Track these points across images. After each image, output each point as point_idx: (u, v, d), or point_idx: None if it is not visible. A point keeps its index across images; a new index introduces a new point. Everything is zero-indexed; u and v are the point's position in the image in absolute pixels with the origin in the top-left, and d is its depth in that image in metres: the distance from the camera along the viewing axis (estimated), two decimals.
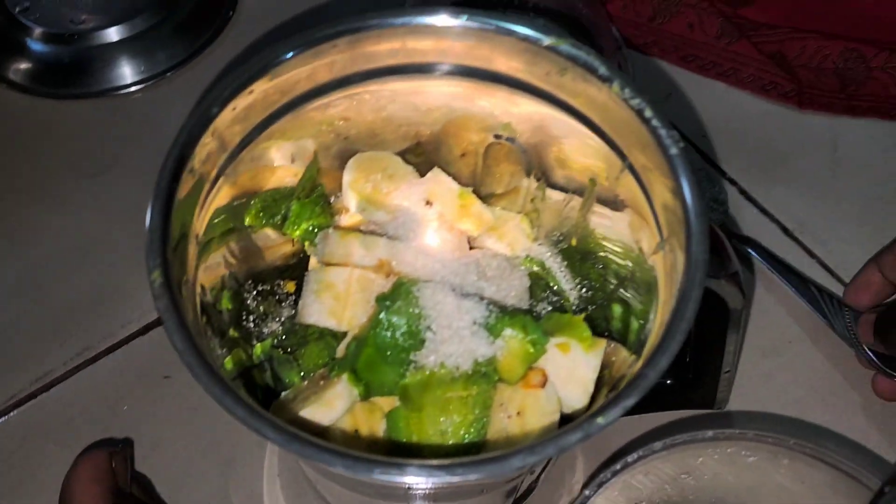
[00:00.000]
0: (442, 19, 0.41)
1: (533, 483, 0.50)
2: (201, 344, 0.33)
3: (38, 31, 0.73)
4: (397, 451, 0.41)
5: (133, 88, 0.74)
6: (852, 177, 0.71)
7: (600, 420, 0.32)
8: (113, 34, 0.74)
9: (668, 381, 0.52)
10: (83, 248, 0.66)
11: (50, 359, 0.61)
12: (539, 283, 0.47)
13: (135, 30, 0.74)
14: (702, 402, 0.53)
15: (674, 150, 0.38)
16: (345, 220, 0.47)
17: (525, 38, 0.41)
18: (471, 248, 0.47)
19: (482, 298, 0.43)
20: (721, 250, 0.44)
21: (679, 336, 0.34)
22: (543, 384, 0.41)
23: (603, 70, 0.40)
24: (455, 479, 0.30)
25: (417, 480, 0.30)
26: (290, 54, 0.40)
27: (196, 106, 0.38)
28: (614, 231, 0.44)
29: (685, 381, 0.52)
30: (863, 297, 0.59)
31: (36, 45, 0.73)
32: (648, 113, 0.39)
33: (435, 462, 0.31)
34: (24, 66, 0.73)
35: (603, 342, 0.43)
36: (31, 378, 0.60)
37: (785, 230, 0.68)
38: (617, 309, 0.44)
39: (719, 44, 0.76)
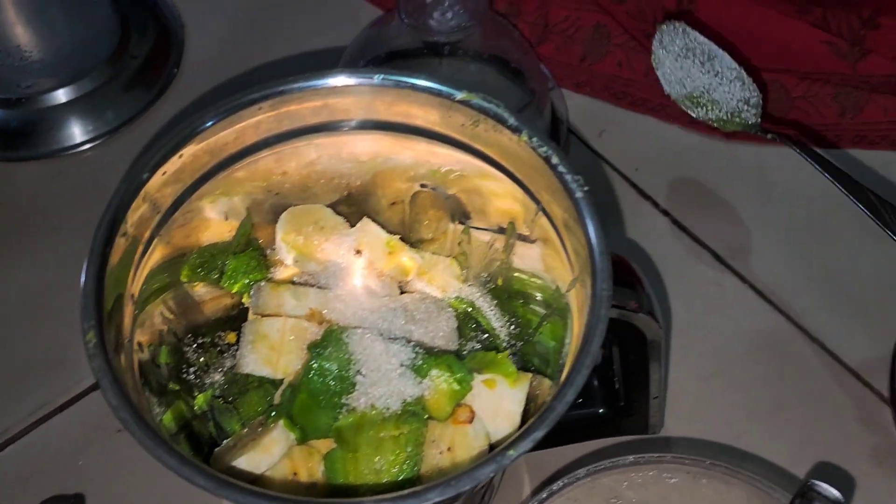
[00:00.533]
0: (359, 79, 0.43)
1: None
2: (136, 399, 0.35)
3: None
4: (336, 492, 0.43)
5: (83, 148, 0.75)
6: (779, 202, 0.74)
7: (511, 452, 0.34)
8: (61, 96, 0.75)
9: (601, 411, 0.54)
10: (36, 305, 0.67)
11: (6, 417, 0.62)
12: (468, 323, 0.49)
13: (82, 90, 0.76)
14: (636, 428, 0.55)
15: (579, 194, 0.40)
16: (280, 272, 0.49)
17: (438, 94, 0.43)
18: (403, 292, 0.49)
19: (409, 341, 0.45)
20: (636, 285, 0.47)
21: (584, 369, 0.36)
22: (471, 420, 0.43)
23: (512, 121, 0.42)
24: None
25: None
26: (216, 119, 0.42)
27: (127, 172, 0.40)
28: (534, 269, 0.46)
29: (618, 409, 0.54)
30: None
31: None
32: (555, 160, 0.41)
33: (357, 500, 0.33)
34: None
35: (528, 376, 0.45)
36: None
37: (717, 257, 0.71)
38: (541, 343, 0.46)
39: (648, 80, 0.79)
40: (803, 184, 0.75)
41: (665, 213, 0.73)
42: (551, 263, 0.44)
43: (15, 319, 0.67)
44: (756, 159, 0.76)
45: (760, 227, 0.73)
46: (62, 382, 0.64)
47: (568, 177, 0.41)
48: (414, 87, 0.43)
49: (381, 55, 0.70)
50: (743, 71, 0.69)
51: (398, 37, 0.69)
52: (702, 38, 0.70)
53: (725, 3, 0.82)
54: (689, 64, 0.69)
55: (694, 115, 0.67)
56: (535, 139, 0.42)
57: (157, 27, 0.81)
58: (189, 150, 0.42)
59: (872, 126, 0.77)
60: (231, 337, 0.49)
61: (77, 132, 0.76)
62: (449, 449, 0.43)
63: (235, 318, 0.49)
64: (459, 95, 0.43)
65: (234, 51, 0.81)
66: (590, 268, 0.39)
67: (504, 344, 0.49)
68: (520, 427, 0.44)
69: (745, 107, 0.66)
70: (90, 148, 0.76)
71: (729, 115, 0.66)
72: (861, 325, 0.67)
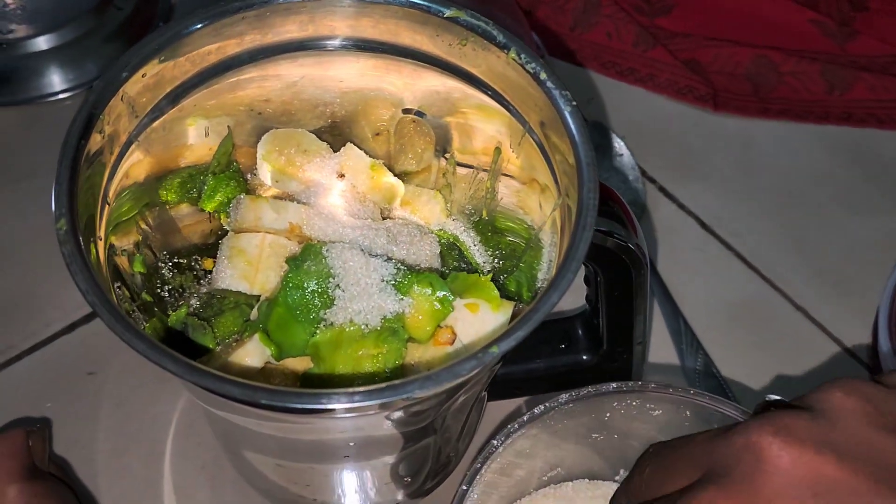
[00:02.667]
0: None
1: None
2: (105, 287, 0.34)
3: None
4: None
5: (61, 96, 0.74)
6: (764, 173, 0.74)
7: (494, 349, 0.33)
8: (42, 43, 0.74)
9: (585, 357, 0.53)
10: (5, 251, 0.66)
11: None
12: (451, 252, 0.48)
13: (64, 39, 0.75)
14: (619, 377, 0.54)
15: (568, 108, 0.40)
16: (261, 193, 0.48)
17: (427, 10, 0.42)
18: (386, 219, 0.48)
19: (390, 259, 0.44)
20: (625, 218, 0.46)
21: (570, 274, 0.35)
22: (452, 342, 0.42)
23: (501, 38, 0.42)
24: (355, 404, 0.31)
25: (322, 405, 0.31)
26: (199, 24, 0.41)
27: (106, 70, 0.39)
28: (519, 197, 0.45)
29: (602, 355, 0.53)
30: None
31: None
32: (543, 75, 0.41)
33: (334, 390, 0.32)
34: None
35: (511, 303, 0.44)
36: None
37: (702, 224, 0.71)
38: (522, 272, 0.45)
39: (636, 51, 0.79)
40: (787, 156, 0.75)
41: (651, 180, 0.73)
42: (537, 187, 0.43)
43: None
44: (742, 131, 0.76)
45: (745, 197, 0.72)
46: (30, 326, 0.63)
47: (556, 92, 0.40)
48: (402, 4, 0.43)
49: None
50: (638, 171, 0.72)
51: None
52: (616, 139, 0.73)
53: None
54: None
55: None
56: (523, 56, 0.41)
57: None
58: (170, 55, 0.41)
59: (860, 104, 0.77)
60: (208, 263, 0.48)
61: (56, 80, 0.75)
62: (429, 370, 0.41)
63: (213, 246, 0.48)
64: (448, 12, 0.42)
65: None
66: (577, 179, 0.38)
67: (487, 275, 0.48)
68: None
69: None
70: (68, 97, 0.74)
71: None
72: (843, 295, 0.67)
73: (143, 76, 0.40)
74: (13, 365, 0.61)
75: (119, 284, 0.39)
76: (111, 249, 0.39)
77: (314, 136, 0.48)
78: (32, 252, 0.66)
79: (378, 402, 0.32)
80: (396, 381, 0.32)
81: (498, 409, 0.57)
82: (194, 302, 0.46)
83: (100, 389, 0.60)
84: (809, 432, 0.31)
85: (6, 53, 0.74)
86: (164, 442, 0.57)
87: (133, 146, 0.41)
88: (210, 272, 0.48)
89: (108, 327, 0.32)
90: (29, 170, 0.71)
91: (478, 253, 0.49)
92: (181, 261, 0.47)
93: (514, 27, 0.74)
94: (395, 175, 0.49)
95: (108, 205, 0.39)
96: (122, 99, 0.39)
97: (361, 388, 0.32)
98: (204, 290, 0.47)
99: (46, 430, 0.54)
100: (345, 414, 0.34)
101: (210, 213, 0.47)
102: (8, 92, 0.74)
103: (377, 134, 0.49)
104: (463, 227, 0.49)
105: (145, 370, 0.60)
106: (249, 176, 0.48)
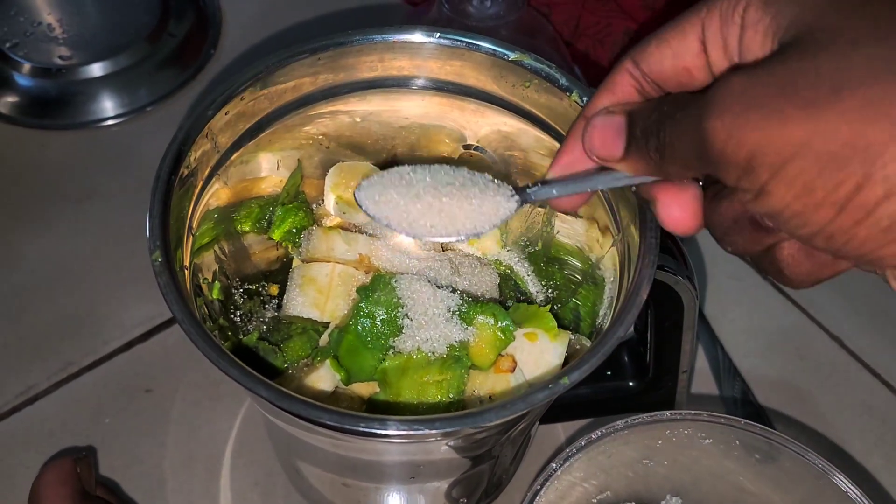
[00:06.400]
0: (417, 36, 0.45)
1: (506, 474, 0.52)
2: (198, 315, 0.36)
3: (26, 66, 0.76)
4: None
5: (114, 121, 0.77)
6: None
7: (565, 380, 0.35)
8: (97, 70, 0.77)
9: (631, 383, 0.55)
10: (66, 270, 0.68)
11: (34, 374, 0.63)
12: (508, 282, 0.50)
13: (118, 66, 0.77)
14: (663, 403, 0.56)
15: None
16: (326, 223, 0.50)
17: (493, 54, 0.45)
18: (445, 250, 0.50)
19: (455, 290, 0.46)
20: (680, 255, 0.48)
21: (634, 309, 0.37)
22: (513, 369, 0.44)
23: (563, 81, 0.44)
24: (433, 431, 0.33)
25: (399, 433, 0.33)
26: (279, 65, 0.43)
27: (192, 108, 0.41)
28: (575, 232, 0.47)
29: (647, 382, 0.55)
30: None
31: (23, 80, 0.76)
32: None
33: (415, 417, 0.33)
34: (11, 98, 0.76)
35: (568, 333, 0.46)
36: (16, 392, 0.62)
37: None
38: (578, 304, 0.47)
39: None
40: None
41: None
42: (595, 224, 0.45)
43: (44, 282, 0.68)
44: None
45: None
46: (89, 344, 0.65)
47: None
48: (469, 47, 0.45)
49: None
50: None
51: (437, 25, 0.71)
52: None
53: None
54: None
55: None
56: (585, 99, 0.43)
57: (195, 10, 0.83)
58: (250, 94, 0.43)
59: None
60: (273, 289, 0.50)
61: (110, 106, 0.77)
62: (490, 397, 0.43)
63: (278, 272, 0.50)
64: (512, 56, 0.45)
65: (269, 36, 0.82)
66: (638, 220, 0.40)
67: (541, 306, 0.50)
68: None
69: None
70: (121, 122, 0.77)
71: None
72: (878, 325, 0.68)
73: (225, 114, 0.42)
74: (73, 381, 0.63)
75: (203, 311, 0.41)
76: (195, 277, 0.41)
77: (378, 168, 0.50)
78: (92, 271, 0.68)
79: (458, 428, 0.34)
80: (474, 410, 0.34)
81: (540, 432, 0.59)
82: (262, 326, 0.48)
83: (157, 406, 0.62)
84: None
85: (63, 79, 0.76)
86: (222, 459, 0.59)
87: (214, 179, 0.43)
88: (275, 297, 0.50)
89: (202, 353, 0.34)
90: (87, 191, 0.73)
91: (531, 283, 0.51)
92: (250, 287, 0.49)
93: (555, 58, 0.77)
94: None
95: (192, 235, 0.41)
96: (206, 136, 0.41)
97: (446, 415, 0.33)
98: (269, 314, 0.49)
99: (92, 457, 0.56)
100: (432, 440, 0.35)
101: (277, 242, 0.49)
102: (64, 116, 0.76)
103: None
104: (517, 258, 0.51)
105: (200, 389, 0.62)
106: (315, 206, 0.50)
